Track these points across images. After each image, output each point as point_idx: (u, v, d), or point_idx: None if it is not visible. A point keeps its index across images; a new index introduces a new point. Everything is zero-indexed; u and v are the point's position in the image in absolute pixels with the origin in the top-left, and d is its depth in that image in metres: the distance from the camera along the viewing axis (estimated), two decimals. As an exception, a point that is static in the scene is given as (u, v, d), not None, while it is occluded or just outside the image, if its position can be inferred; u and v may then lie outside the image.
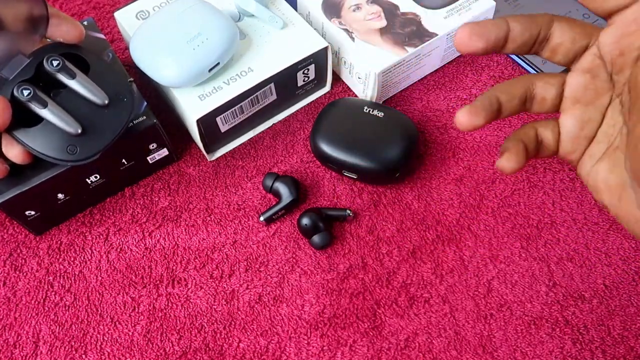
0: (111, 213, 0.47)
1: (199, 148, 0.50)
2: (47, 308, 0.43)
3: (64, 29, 0.39)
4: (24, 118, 0.38)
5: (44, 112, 0.37)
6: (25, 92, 0.37)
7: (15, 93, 0.37)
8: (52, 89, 0.39)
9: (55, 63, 0.38)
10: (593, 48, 0.26)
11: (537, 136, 0.28)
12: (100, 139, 0.39)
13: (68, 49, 0.40)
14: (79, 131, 0.38)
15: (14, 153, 0.39)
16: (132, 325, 0.42)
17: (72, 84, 0.39)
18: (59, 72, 0.38)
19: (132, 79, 0.46)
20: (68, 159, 0.38)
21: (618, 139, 0.27)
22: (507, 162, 0.27)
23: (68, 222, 0.47)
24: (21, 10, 0.36)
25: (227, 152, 0.50)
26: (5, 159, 0.40)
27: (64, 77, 0.38)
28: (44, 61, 0.38)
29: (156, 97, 0.53)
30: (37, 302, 0.43)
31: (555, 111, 0.29)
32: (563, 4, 0.57)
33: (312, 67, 0.50)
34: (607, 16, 0.25)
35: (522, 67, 0.55)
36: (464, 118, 0.26)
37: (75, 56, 0.40)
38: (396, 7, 0.52)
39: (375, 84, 0.49)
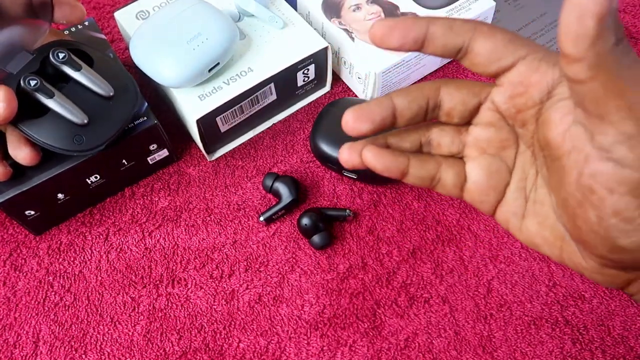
0: (111, 213, 0.47)
1: (199, 148, 0.50)
2: (47, 308, 0.43)
3: (66, 11, 0.39)
4: (30, 110, 0.38)
5: (51, 102, 0.38)
6: (32, 83, 0.37)
7: (22, 84, 0.37)
8: (57, 82, 0.39)
9: (61, 56, 0.38)
10: (487, 104, 0.26)
11: (437, 171, 0.27)
12: (106, 129, 0.40)
13: (72, 45, 0.40)
14: (85, 121, 0.39)
15: (23, 155, 0.39)
16: (132, 325, 0.42)
17: (78, 76, 0.39)
18: (64, 65, 0.39)
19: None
20: (75, 149, 0.39)
21: (534, 193, 0.26)
22: (372, 158, 0.26)
23: (68, 222, 0.47)
24: (23, 1, 0.36)
25: (227, 152, 0.50)
26: (7, 160, 0.40)
27: (70, 69, 0.39)
28: (50, 54, 0.38)
29: (156, 97, 0.53)
30: (37, 302, 0.43)
31: (451, 157, 0.28)
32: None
33: (312, 67, 0.50)
34: (494, 78, 0.25)
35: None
36: (350, 120, 0.25)
37: (80, 52, 0.41)
38: (396, 7, 0.52)
39: (375, 84, 0.49)
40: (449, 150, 0.28)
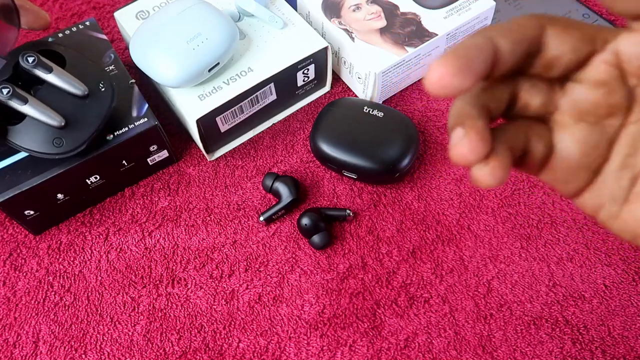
0: (111, 213, 0.47)
1: (199, 148, 0.50)
2: (47, 308, 0.43)
3: (30, 18, 0.39)
4: (8, 117, 0.39)
5: (25, 108, 0.38)
6: (5, 91, 0.37)
7: None
8: (31, 86, 0.40)
9: (30, 59, 0.39)
10: (605, 54, 0.20)
11: (526, 145, 0.21)
12: (84, 129, 0.40)
13: (43, 46, 0.41)
14: (62, 123, 0.39)
15: None
16: (132, 325, 0.42)
17: (50, 77, 0.39)
18: (35, 68, 0.39)
19: (133, 80, 0.46)
20: (55, 152, 0.39)
21: None
22: (491, 175, 0.19)
23: (68, 222, 0.47)
24: None
25: (227, 152, 0.50)
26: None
27: (41, 71, 0.39)
28: (20, 58, 0.38)
29: (156, 97, 0.53)
30: (37, 302, 0.43)
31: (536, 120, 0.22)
32: (563, 3, 0.57)
33: (312, 67, 0.50)
34: (635, 18, 0.19)
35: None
36: (444, 73, 0.18)
37: (52, 52, 0.41)
38: (396, 7, 0.52)
39: (375, 84, 0.49)
40: (537, 112, 0.21)
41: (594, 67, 0.20)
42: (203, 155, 0.50)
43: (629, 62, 0.20)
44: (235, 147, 0.50)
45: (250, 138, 0.51)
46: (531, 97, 0.21)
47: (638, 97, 0.20)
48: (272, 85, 0.48)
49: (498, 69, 0.19)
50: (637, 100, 0.20)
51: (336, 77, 0.55)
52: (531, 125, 0.21)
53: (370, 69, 0.48)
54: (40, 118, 0.38)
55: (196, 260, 0.45)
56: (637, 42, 0.19)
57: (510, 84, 0.21)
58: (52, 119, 0.38)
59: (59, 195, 0.44)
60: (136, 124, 0.44)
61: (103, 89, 0.41)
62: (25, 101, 0.38)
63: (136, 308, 0.43)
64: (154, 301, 0.43)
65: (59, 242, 0.46)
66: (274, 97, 0.49)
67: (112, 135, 0.43)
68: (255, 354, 0.41)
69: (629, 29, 0.20)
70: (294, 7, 0.55)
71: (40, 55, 0.39)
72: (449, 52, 0.18)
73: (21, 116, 0.39)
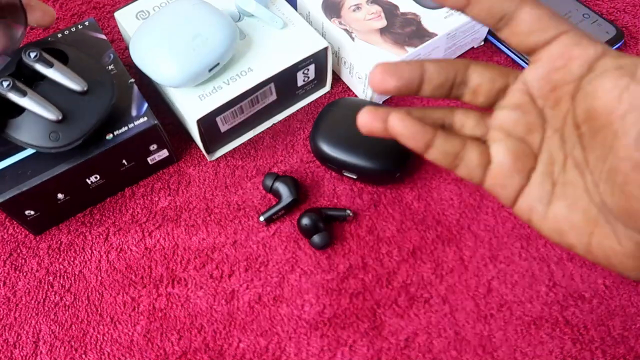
0: (111, 213, 0.47)
1: (199, 148, 0.50)
2: (47, 308, 0.43)
3: (37, 15, 0.40)
4: (7, 111, 0.39)
5: (24, 101, 0.38)
6: (5, 84, 0.38)
7: None
8: (33, 82, 0.40)
9: (32, 55, 0.39)
10: (517, 85, 0.26)
11: (461, 149, 0.26)
12: (81, 125, 0.40)
13: (48, 45, 0.41)
14: (60, 117, 0.39)
15: None
16: (132, 325, 0.42)
17: (50, 72, 0.39)
18: (36, 63, 0.39)
19: (133, 80, 0.46)
20: (51, 145, 0.39)
21: (563, 176, 0.25)
22: (399, 124, 0.25)
23: (68, 222, 0.47)
24: None
25: (227, 152, 0.50)
26: None
27: (42, 66, 0.39)
28: (22, 54, 0.39)
29: (156, 97, 0.53)
30: (37, 302, 0.43)
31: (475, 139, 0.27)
32: (563, 4, 0.57)
33: (312, 67, 0.50)
34: (531, 52, 0.25)
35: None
36: (378, 74, 0.25)
37: (55, 50, 0.42)
38: (396, 7, 0.52)
39: (375, 84, 0.49)
40: (473, 132, 0.27)
41: (510, 95, 0.26)
42: (203, 155, 0.50)
43: (533, 88, 0.25)
44: (236, 147, 0.50)
45: (250, 138, 0.51)
46: (466, 120, 0.27)
47: (547, 116, 0.25)
48: (272, 85, 0.48)
49: (425, 85, 0.26)
50: (547, 120, 0.25)
51: (336, 77, 0.55)
52: (468, 139, 0.27)
53: (370, 68, 0.48)
54: (37, 111, 0.39)
55: (196, 260, 0.45)
56: (536, 72, 0.25)
57: (445, 111, 0.27)
58: (50, 113, 0.39)
59: (59, 195, 0.44)
60: (136, 123, 0.44)
61: (103, 86, 0.41)
62: (24, 94, 0.38)
63: (136, 308, 0.43)
64: (154, 301, 0.43)
65: (59, 242, 0.46)
66: (274, 97, 0.49)
67: (112, 135, 0.43)
68: (256, 354, 0.41)
69: (533, 60, 0.25)
70: (294, 7, 0.55)
71: (42, 52, 0.40)
72: (387, 62, 0.25)
73: (21, 110, 0.39)
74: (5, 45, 0.38)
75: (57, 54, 0.42)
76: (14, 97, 0.38)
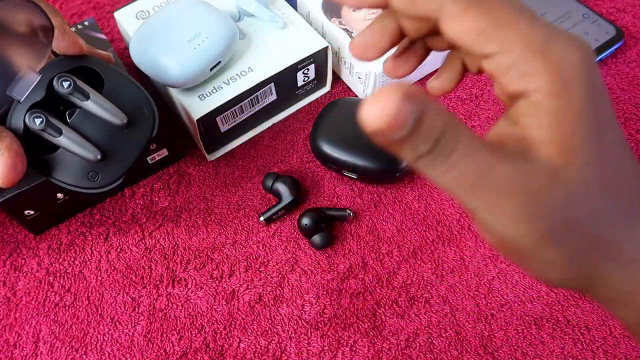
0: (111, 213, 0.47)
1: (199, 148, 0.50)
2: (47, 308, 0.43)
3: (63, 44, 0.37)
4: (39, 146, 0.36)
5: (60, 140, 0.35)
6: (37, 121, 0.35)
7: (27, 122, 0.35)
8: (67, 107, 0.37)
9: (65, 85, 0.35)
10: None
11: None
12: (121, 163, 0.37)
13: (78, 62, 0.38)
14: (99, 157, 0.36)
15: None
16: (132, 325, 0.42)
17: (87, 105, 0.36)
18: (71, 95, 0.36)
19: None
20: (90, 186, 0.37)
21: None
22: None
23: (68, 222, 0.47)
24: (23, 20, 0.34)
25: (227, 152, 0.50)
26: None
27: (78, 99, 0.36)
28: (55, 82, 0.36)
29: (156, 97, 0.53)
30: (37, 302, 0.43)
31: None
32: (563, 4, 0.57)
33: (312, 67, 0.50)
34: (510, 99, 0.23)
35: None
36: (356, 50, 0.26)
37: (87, 69, 0.38)
38: (396, 7, 0.52)
39: (375, 84, 0.49)
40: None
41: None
42: (203, 155, 0.50)
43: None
44: (235, 147, 0.50)
45: (250, 138, 0.51)
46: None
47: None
48: (272, 85, 0.48)
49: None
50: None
51: (336, 77, 0.55)
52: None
53: (370, 69, 0.48)
54: (75, 151, 0.36)
55: (196, 260, 0.45)
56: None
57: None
58: (89, 152, 0.36)
59: (59, 195, 0.44)
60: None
61: (142, 116, 0.38)
62: (59, 132, 0.35)
63: (136, 308, 0.43)
64: (154, 301, 0.43)
65: (59, 242, 0.46)
66: (274, 97, 0.49)
67: None
68: (256, 354, 0.41)
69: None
70: (294, 7, 0.55)
71: (76, 79, 0.36)
72: (359, 34, 0.26)
73: (55, 146, 0.36)
74: (31, 63, 0.36)
75: (90, 73, 0.38)
76: (48, 136, 0.35)
